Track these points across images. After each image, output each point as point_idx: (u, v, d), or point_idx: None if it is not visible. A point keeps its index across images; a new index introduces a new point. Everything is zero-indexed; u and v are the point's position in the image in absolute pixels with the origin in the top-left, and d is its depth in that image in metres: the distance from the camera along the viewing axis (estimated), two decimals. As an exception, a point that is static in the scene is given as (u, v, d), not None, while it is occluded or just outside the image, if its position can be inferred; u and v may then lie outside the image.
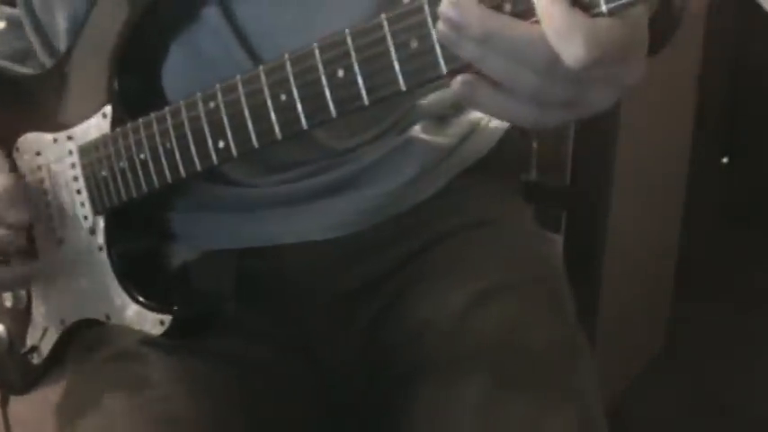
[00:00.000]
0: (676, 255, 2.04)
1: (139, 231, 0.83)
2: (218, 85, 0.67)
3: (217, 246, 0.84)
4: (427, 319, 0.80)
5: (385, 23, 0.55)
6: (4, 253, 0.85)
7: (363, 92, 0.57)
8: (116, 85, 0.76)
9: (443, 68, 0.53)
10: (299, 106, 0.61)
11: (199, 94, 0.68)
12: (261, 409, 0.82)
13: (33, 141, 0.84)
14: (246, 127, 0.65)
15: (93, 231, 0.81)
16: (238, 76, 0.65)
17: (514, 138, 0.92)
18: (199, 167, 0.70)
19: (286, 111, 0.62)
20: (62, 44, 0.82)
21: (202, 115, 0.68)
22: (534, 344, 0.77)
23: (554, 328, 0.80)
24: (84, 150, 0.79)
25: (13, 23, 0.90)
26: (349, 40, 0.57)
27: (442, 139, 0.86)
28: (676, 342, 2.06)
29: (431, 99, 0.86)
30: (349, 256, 0.83)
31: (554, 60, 0.48)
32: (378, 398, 0.81)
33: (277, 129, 0.63)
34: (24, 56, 0.90)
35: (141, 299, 0.79)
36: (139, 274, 0.80)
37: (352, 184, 0.81)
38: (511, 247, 0.86)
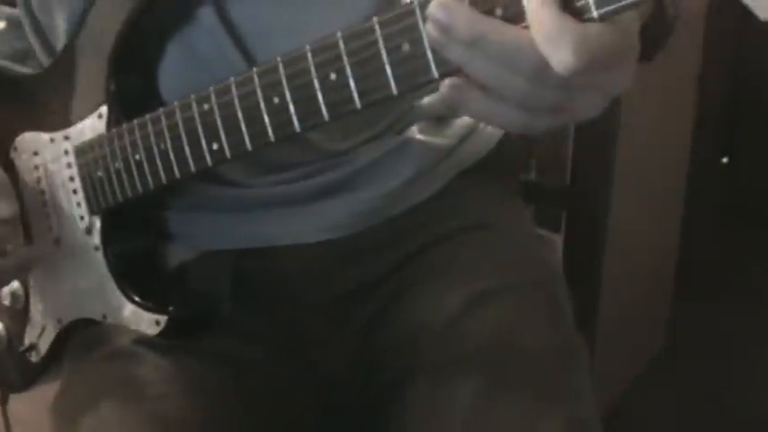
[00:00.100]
0: (676, 255, 2.03)
1: (136, 231, 0.83)
2: (211, 88, 0.67)
3: (213, 246, 0.84)
4: (422, 321, 0.79)
5: (377, 26, 0.54)
6: (0, 251, 0.85)
7: (355, 95, 0.57)
8: (112, 85, 0.76)
9: (435, 72, 0.53)
10: (292, 109, 0.61)
11: (193, 96, 0.68)
12: (256, 410, 0.82)
13: (31, 141, 0.85)
14: (240, 129, 0.65)
15: (89, 231, 0.81)
16: (232, 79, 0.65)
17: (514, 139, 0.92)
18: (193, 168, 0.70)
19: (279, 113, 0.62)
20: (61, 45, 0.82)
21: (196, 117, 0.68)
22: (530, 346, 0.77)
23: (551, 331, 0.79)
24: (80, 150, 0.79)
25: (13, 23, 0.91)
26: (341, 44, 0.57)
27: (440, 139, 0.85)
28: (676, 342, 2.05)
29: (429, 100, 0.85)
30: (344, 257, 0.83)
31: (543, 66, 0.48)
32: (372, 399, 0.80)
33: (270, 131, 0.63)
34: (24, 56, 0.90)
35: (137, 299, 0.79)
36: (135, 274, 0.81)
37: (347, 185, 0.81)
38: (509, 249, 0.85)
